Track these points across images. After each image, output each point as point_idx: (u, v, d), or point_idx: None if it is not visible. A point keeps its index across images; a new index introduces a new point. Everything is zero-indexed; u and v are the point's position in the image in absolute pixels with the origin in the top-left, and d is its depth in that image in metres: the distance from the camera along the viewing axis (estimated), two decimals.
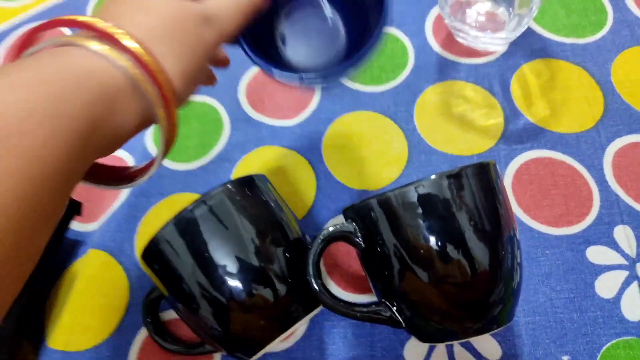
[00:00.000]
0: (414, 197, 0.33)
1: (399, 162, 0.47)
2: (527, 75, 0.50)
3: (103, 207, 0.48)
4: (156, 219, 0.46)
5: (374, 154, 0.48)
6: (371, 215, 0.35)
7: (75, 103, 0.23)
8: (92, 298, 0.44)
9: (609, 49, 0.51)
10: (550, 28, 0.53)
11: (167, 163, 0.50)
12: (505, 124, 0.48)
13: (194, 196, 0.46)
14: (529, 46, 0.52)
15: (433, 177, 0.33)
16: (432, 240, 0.33)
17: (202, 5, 0.30)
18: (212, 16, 0.30)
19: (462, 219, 0.33)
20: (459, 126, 0.48)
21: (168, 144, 0.29)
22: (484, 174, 0.35)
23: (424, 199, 0.33)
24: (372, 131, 0.49)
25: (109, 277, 0.45)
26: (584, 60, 0.50)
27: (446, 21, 0.52)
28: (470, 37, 0.51)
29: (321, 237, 0.36)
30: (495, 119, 0.48)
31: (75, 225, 0.47)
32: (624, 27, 0.52)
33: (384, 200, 0.34)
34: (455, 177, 0.34)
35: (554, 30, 0.52)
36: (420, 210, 0.33)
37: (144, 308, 0.41)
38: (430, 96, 0.50)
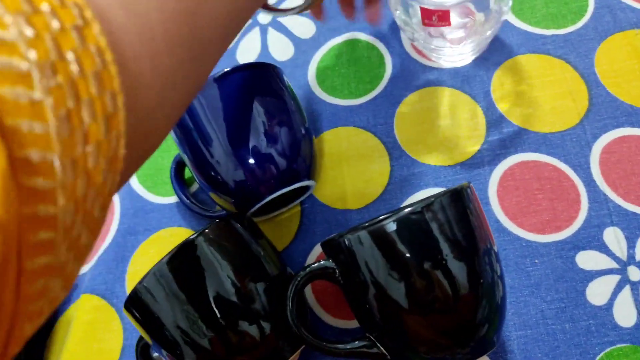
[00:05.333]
0: (388, 231, 0.33)
1: (382, 178, 0.47)
2: (508, 74, 0.49)
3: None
4: (144, 257, 0.47)
5: (355, 171, 0.48)
6: (346, 251, 0.35)
7: None
8: (87, 343, 0.45)
9: (592, 38, 0.49)
10: (530, 20, 0.51)
11: (151, 197, 0.50)
12: (487, 128, 0.47)
13: (180, 230, 0.47)
14: (508, 42, 0.50)
15: (406, 210, 0.33)
16: (410, 271, 0.33)
17: None
18: None
19: (438, 247, 0.33)
20: (441, 135, 0.47)
21: None
22: (457, 200, 0.34)
23: (398, 232, 0.33)
24: (352, 147, 0.49)
25: (103, 320, 0.45)
26: (566, 52, 0.49)
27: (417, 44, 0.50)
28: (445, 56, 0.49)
29: (298, 279, 0.36)
30: (477, 124, 0.47)
31: None
32: (605, 12, 0.50)
33: (357, 237, 0.34)
34: (428, 209, 0.33)
35: (534, 23, 0.51)
36: (395, 244, 0.33)
37: (137, 355, 0.41)
38: (410, 105, 0.49)
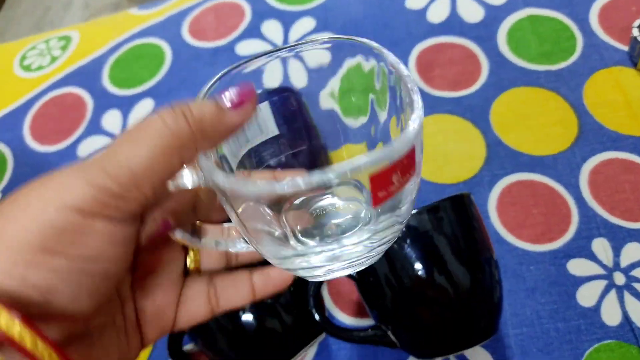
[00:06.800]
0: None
1: None
2: (505, 103, 0.54)
3: None
4: None
5: None
6: None
7: None
8: None
9: (581, 73, 0.55)
10: (525, 57, 0.57)
11: None
12: (487, 151, 0.52)
13: None
14: (506, 77, 0.56)
15: (414, 212, 0.38)
16: (418, 268, 0.38)
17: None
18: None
19: (443, 246, 0.38)
20: (444, 157, 0.53)
21: None
22: (459, 205, 0.39)
23: (407, 232, 0.38)
24: None
25: None
26: (557, 86, 0.54)
27: None
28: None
29: None
30: (478, 148, 0.52)
31: None
32: (592, 51, 0.56)
33: None
34: (434, 210, 0.38)
35: (529, 60, 0.57)
36: (404, 242, 0.38)
37: (169, 344, 0.45)
38: None
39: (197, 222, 0.28)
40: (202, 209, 0.26)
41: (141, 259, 0.27)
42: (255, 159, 0.26)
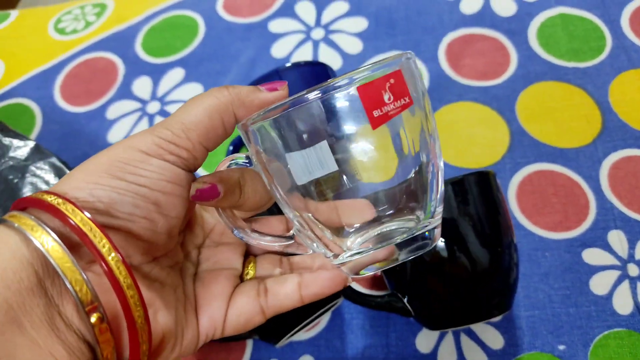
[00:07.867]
0: None
1: None
2: (532, 96, 0.55)
3: None
4: None
5: None
6: None
7: None
8: None
9: (607, 72, 0.56)
10: (554, 53, 0.58)
11: None
12: (510, 140, 0.53)
13: None
14: (534, 70, 0.57)
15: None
16: (439, 244, 0.38)
17: None
18: None
19: (466, 224, 0.38)
20: (467, 142, 0.54)
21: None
22: (483, 181, 0.40)
23: None
24: None
25: None
26: (584, 83, 0.55)
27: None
28: None
29: None
30: (501, 136, 0.53)
31: None
32: (621, 52, 0.57)
33: None
34: (458, 184, 0.39)
35: (558, 55, 0.58)
36: None
37: None
38: (443, 116, 0.56)
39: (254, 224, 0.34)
40: (246, 191, 0.30)
41: (205, 255, 0.34)
42: (316, 191, 0.28)
